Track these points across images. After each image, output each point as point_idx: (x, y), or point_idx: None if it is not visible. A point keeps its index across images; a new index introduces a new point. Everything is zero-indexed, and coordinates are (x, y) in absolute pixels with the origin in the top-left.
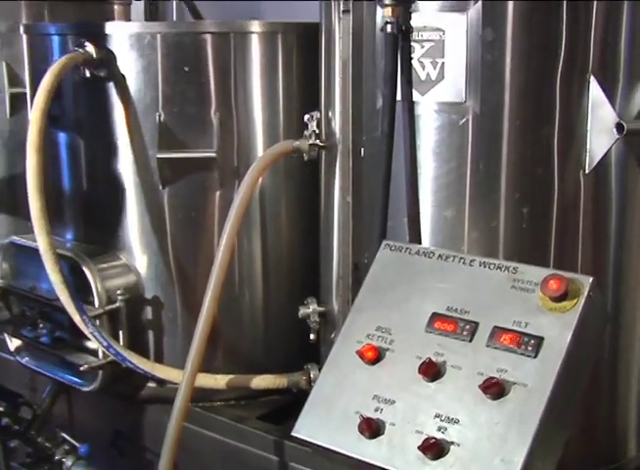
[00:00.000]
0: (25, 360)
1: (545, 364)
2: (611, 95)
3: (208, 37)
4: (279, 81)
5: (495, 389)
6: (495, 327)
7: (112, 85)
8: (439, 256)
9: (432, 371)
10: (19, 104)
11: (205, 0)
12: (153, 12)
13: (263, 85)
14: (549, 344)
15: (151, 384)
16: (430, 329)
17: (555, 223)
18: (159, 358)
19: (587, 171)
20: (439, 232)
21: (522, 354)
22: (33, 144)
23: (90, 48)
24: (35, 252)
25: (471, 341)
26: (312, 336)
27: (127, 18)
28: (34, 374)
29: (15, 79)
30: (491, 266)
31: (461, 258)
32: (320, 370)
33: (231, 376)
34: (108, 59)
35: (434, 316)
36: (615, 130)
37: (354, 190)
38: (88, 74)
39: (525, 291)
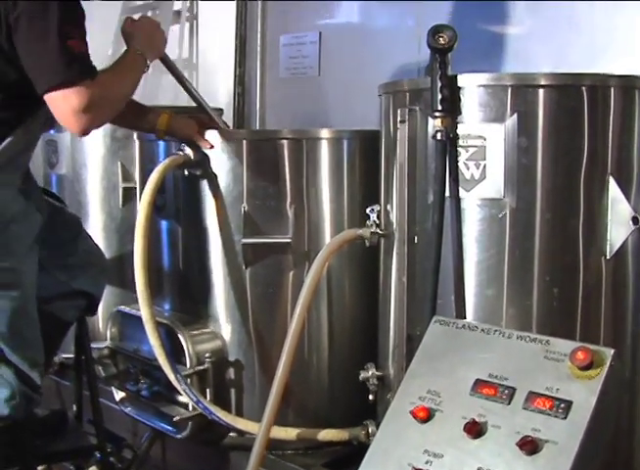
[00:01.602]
0: (128, 410)
1: (574, 425)
2: (627, 192)
3: (285, 142)
4: (344, 179)
5: (530, 446)
6: (530, 392)
7: (205, 181)
8: (482, 329)
9: (475, 430)
10: (129, 196)
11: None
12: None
13: (331, 182)
14: (577, 407)
15: (232, 433)
16: (474, 393)
17: (580, 302)
18: (239, 412)
19: (608, 257)
20: (481, 309)
21: (553, 416)
22: (140, 229)
23: (189, 151)
24: (139, 319)
25: (509, 404)
26: (371, 396)
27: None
28: (135, 421)
29: (127, 176)
30: (527, 339)
31: (501, 331)
32: (377, 426)
33: (300, 429)
34: (203, 160)
35: (478, 382)
36: (631, 222)
37: (409, 272)
38: (186, 173)
39: (556, 361)
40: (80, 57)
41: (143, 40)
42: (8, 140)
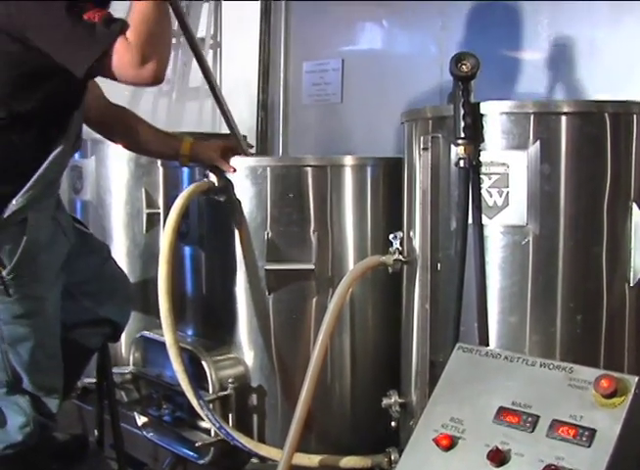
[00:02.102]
0: (150, 435)
1: (598, 453)
2: None
3: (309, 169)
4: (367, 206)
5: None
6: (554, 420)
7: (229, 208)
8: (505, 357)
9: (498, 458)
10: (153, 222)
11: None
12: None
13: (354, 209)
14: (601, 435)
15: (254, 460)
16: (497, 421)
17: (604, 329)
18: (261, 438)
19: (632, 284)
20: (505, 336)
21: (577, 444)
22: (164, 255)
23: (213, 178)
24: (162, 345)
25: (533, 431)
26: (393, 423)
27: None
28: (157, 447)
29: (151, 202)
30: (550, 367)
31: (524, 359)
32: (400, 454)
33: (323, 456)
34: (226, 186)
35: (501, 410)
36: None
37: (432, 299)
38: (211, 199)
39: (580, 388)
40: (102, 24)
41: None
42: (44, 165)
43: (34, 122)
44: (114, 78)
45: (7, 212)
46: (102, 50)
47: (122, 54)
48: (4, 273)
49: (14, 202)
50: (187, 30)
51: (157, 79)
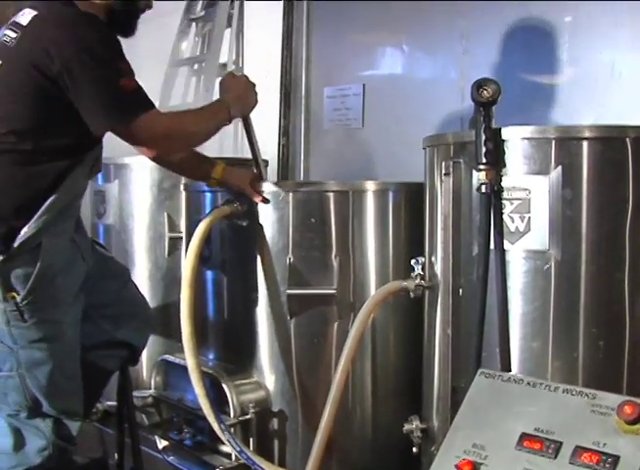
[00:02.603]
0: (171, 459)
1: None
2: None
3: (331, 195)
4: (389, 231)
5: None
6: (577, 446)
7: (251, 233)
8: (528, 383)
9: None
10: (175, 246)
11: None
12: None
13: (376, 234)
14: (625, 462)
15: None
16: (519, 447)
17: (627, 354)
18: (282, 463)
19: None
20: (527, 361)
21: None
22: (187, 280)
23: (236, 203)
24: (184, 368)
25: (555, 458)
26: (415, 449)
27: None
28: None
29: (173, 226)
30: (573, 393)
31: (546, 385)
32: None
33: None
34: (249, 212)
35: (524, 436)
36: None
37: (453, 324)
38: (233, 223)
39: (603, 415)
40: (134, 94)
41: (234, 95)
42: (60, 189)
43: (56, 155)
44: (122, 137)
45: (18, 241)
46: (123, 122)
47: (140, 127)
48: (18, 299)
49: (25, 229)
50: (253, 145)
51: (155, 159)
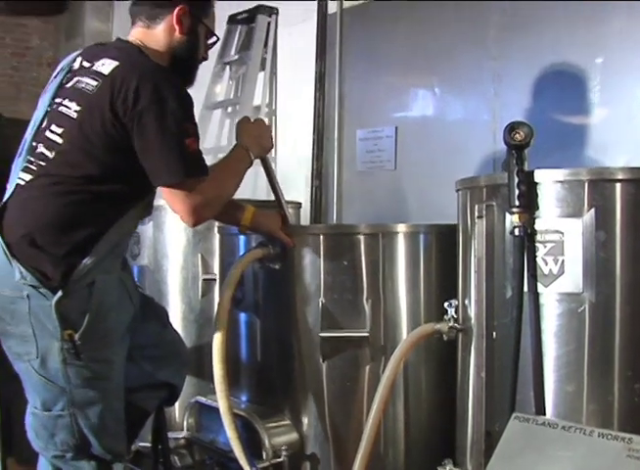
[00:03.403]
0: None
1: None
2: None
3: (362, 237)
4: (421, 273)
5: None
6: None
7: (284, 275)
8: (562, 427)
9: None
10: (209, 287)
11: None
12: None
13: (407, 276)
14: None
15: None
16: None
17: None
18: None
19: None
20: (561, 405)
21: None
22: (220, 322)
23: (269, 246)
24: (216, 410)
25: None
26: None
27: None
28: None
29: (207, 267)
30: (608, 437)
31: (582, 429)
32: None
33: None
34: (282, 254)
35: None
36: None
37: (487, 367)
38: (266, 266)
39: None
40: (196, 156)
41: (252, 138)
42: (112, 229)
43: (118, 197)
44: (165, 198)
45: (75, 276)
46: (186, 182)
47: (190, 194)
48: (76, 337)
49: (81, 266)
50: (275, 187)
51: (194, 226)
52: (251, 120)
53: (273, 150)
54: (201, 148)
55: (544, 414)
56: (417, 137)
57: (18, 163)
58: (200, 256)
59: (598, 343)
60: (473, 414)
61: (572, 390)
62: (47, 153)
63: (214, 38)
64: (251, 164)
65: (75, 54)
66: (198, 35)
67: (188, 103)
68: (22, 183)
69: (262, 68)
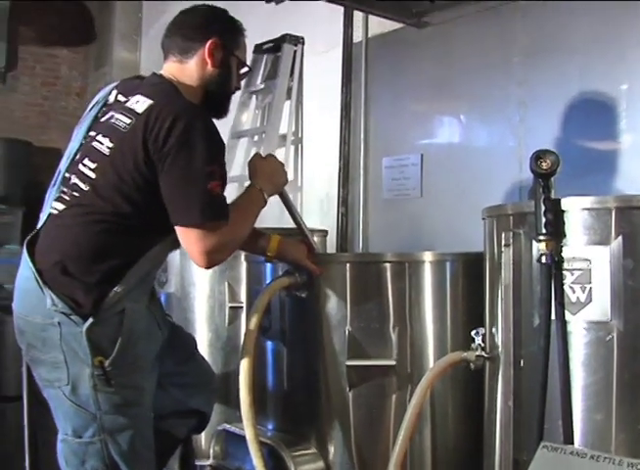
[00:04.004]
0: None
1: None
2: None
3: (388, 265)
4: (447, 301)
5: None
6: None
7: (311, 303)
8: (591, 456)
9: None
10: (235, 315)
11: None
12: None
13: (434, 305)
14: None
15: None
16: None
17: None
18: None
19: None
20: (590, 434)
21: None
22: (247, 350)
23: (295, 274)
24: (243, 438)
25: None
26: None
27: None
28: None
29: (234, 295)
30: (638, 466)
31: (610, 458)
32: None
33: None
34: (308, 283)
35: None
36: None
37: (515, 395)
38: (292, 294)
39: None
40: (218, 200)
41: (264, 177)
42: (143, 258)
43: (149, 230)
44: (180, 237)
45: (106, 304)
46: (204, 225)
47: (206, 237)
48: (106, 363)
49: (111, 294)
50: (296, 218)
51: (207, 268)
52: (263, 157)
53: (299, 178)
54: (228, 175)
55: (572, 443)
56: (443, 164)
57: (51, 192)
58: (226, 284)
59: (626, 371)
60: (500, 443)
61: (601, 419)
62: (81, 185)
63: (246, 68)
64: (265, 204)
65: (111, 87)
66: (230, 67)
67: (217, 145)
68: (56, 212)
69: (288, 96)
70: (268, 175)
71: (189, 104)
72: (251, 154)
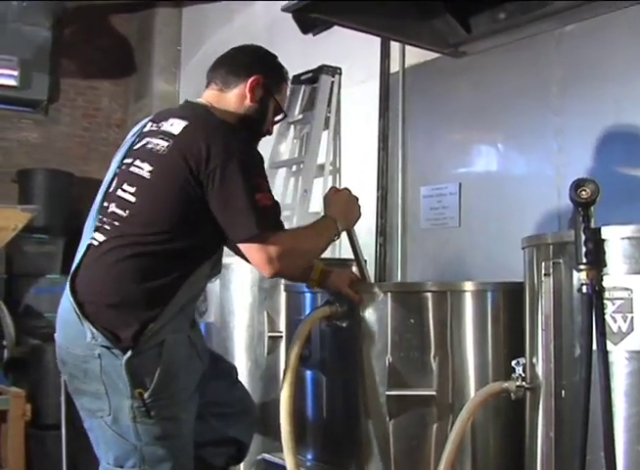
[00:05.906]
0: None
1: None
2: None
3: (429, 295)
4: (488, 331)
5: None
6: None
7: (351, 333)
8: None
9: None
10: (275, 345)
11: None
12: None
13: (475, 334)
14: None
15: None
16: None
17: None
18: None
19: None
20: (633, 466)
21: None
22: (287, 379)
23: (335, 304)
24: (282, 468)
25: None
26: None
27: None
28: None
29: (273, 325)
30: None
31: None
32: None
33: None
34: (348, 312)
35: None
36: None
37: (556, 427)
38: (332, 324)
39: None
40: (267, 210)
41: (339, 210)
42: (183, 287)
43: (188, 253)
44: (244, 253)
45: (146, 336)
46: (259, 236)
47: (266, 247)
48: (145, 395)
49: (151, 325)
50: (358, 256)
51: (274, 277)
52: (338, 189)
53: None
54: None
55: None
56: (481, 193)
57: (89, 223)
58: (266, 313)
59: None
60: None
61: None
62: (120, 212)
63: (282, 115)
64: (337, 235)
65: (147, 120)
66: (267, 107)
67: (257, 159)
68: (96, 244)
69: (326, 126)
70: (343, 209)
71: (223, 122)
72: (290, 184)
